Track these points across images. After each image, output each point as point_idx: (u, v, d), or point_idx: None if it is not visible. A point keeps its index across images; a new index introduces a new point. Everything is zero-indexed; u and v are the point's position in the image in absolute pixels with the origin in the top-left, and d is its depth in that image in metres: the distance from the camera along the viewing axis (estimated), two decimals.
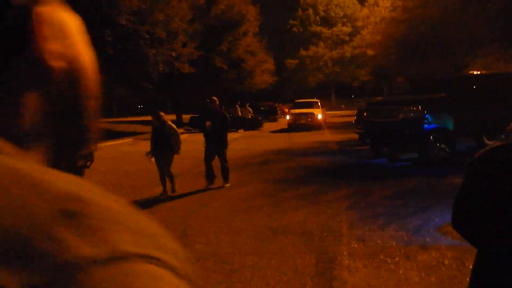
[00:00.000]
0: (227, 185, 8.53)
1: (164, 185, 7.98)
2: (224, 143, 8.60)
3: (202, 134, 8.84)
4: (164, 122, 7.96)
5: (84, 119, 0.54)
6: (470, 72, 15.99)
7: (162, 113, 8.08)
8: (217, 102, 8.74)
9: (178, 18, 23.35)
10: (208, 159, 8.62)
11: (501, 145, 1.31)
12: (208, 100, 8.79)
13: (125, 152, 15.47)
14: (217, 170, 8.58)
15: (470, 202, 1.34)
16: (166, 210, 6.87)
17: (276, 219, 6.07)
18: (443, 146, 10.17)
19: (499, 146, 1.31)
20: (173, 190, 8.04)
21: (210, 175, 8.62)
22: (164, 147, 7.85)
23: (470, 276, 1.36)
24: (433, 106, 10.48)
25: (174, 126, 8.04)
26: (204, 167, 8.68)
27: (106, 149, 16.44)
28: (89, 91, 0.55)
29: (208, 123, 8.44)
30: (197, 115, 29.03)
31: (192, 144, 19.11)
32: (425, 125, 10.20)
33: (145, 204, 7.31)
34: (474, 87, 11.01)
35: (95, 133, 0.58)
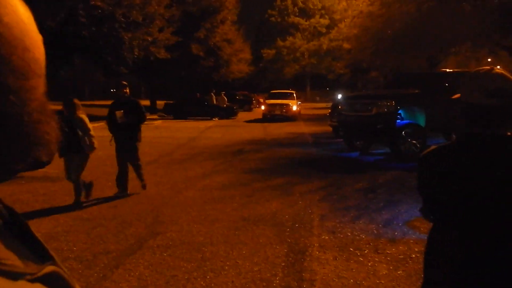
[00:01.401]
0: (144, 183, 7.18)
1: (77, 194, 6.37)
2: (135, 138, 7.01)
3: (111, 128, 7.09)
4: (74, 113, 6.21)
5: (18, 107, 0.42)
6: (442, 69, 16.30)
7: (76, 101, 6.35)
8: (128, 89, 7.10)
9: (155, 2, 22.95)
10: (120, 159, 7.09)
11: (443, 145, 1.69)
12: (121, 87, 7.06)
13: (96, 136, 15.04)
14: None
15: (425, 190, 1.73)
16: (139, 197, 6.81)
17: (249, 209, 6.10)
18: (414, 141, 10.38)
19: (441, 146, 1.69)
20: (88, 195, 6.57)
21: (122, 180, 7.05)
22: (74, 145, 6.13)
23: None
24: (406, 101, 10.67)
25: (86, 120, 6.32)
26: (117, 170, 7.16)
27: None
28: (27, 66, 0.44)
29: (118, 114, 6.79)
30: (171, 102, 28.79)
31: (165, 130, 18.97)
32: (397, 120, 10.38)
33: (116, 190, 7.22)
34: (446, 84, 11.23)
35: (45, 134, 0.46)
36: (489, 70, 1.60)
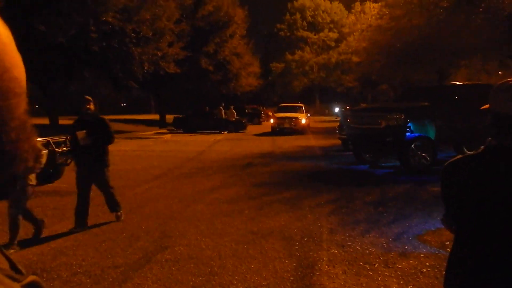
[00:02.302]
0: (119, 213, 6.24)
1: (13, 233, 5.03)
2: (103, 162, 5.99)
3: (73, 150, 6.17)
4: None
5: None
6: (452, 82, 16.23)
7: None
8: (93, 104, 6.01)
9: (165, 17, 23.24)
10: (82, 187, 5.96)
11: (470, 154, 1.72)
12: (83, 102, 5.92)
13: None
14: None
15: (446, 199, 1.74)
16: (147, 211, 6.81)
17: (258, 222, 6.07)
18: (424, 154, 10.30)
19: (467, 156, 1.72)
20: (11, 241, 4.99)
21: (82, 213, 5.88)
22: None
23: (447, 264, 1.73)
24: (416, 114, 10.62)
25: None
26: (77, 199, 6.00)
27: None
28: (6, 86, 0.44)
29: (80, 134, 5.76)
30: (181, 116, 28.94)
31: (174, 144, 19.04)
32: (407, 133, 10.32)
33: (125, 204, 7.23)
34: (456, 97, 11.18)
35: (24, 152, 0.46)
36: None
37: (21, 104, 0.46)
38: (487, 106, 1.71)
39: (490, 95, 1.70)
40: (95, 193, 7.73)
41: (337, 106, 54.26)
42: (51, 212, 6.78)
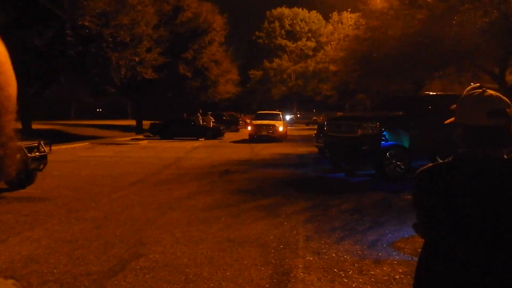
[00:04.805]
0: None
1: None
2: None
3: None
4: None
5: None
6: (426, 92, 16.58)
7: None
8: None
9: (143, 23, 23.11)
10: None
11: (442, 163, 1.73)
12: None
13: (81, 156, 15.08)
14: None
15: (418, 206, 1.73)
16: (123, 218, 6.72)
17: (234, 230, 6.06)
18: (399, 163, 10.47)
19: (438, 164, 1.74)
20: None
21: None
22: None
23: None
24: (391, 123, 10.81)
25: None
26: None
27: (61, 153, 15.94)
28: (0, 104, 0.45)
29: None
30: (158, 122, 28.75)
31: (151, 150, 18.87)
32: (382, 142, 10.49)
33: (100, 210, 7.14)
34: (430, 107, 11.42)
35: (7, 167, 0.46)
36: (483, 91, 1.65)
37: (11, 122, 0.47)
38: (452, 119, 1.74)
39: (456, 108, 1.73)
40: (69, 199, 7.61)
41: (288, 114, 54.78)
42: (23, 218, 6.63)
